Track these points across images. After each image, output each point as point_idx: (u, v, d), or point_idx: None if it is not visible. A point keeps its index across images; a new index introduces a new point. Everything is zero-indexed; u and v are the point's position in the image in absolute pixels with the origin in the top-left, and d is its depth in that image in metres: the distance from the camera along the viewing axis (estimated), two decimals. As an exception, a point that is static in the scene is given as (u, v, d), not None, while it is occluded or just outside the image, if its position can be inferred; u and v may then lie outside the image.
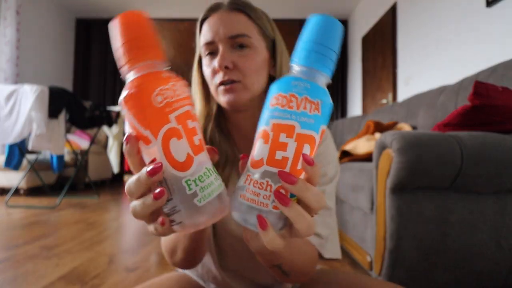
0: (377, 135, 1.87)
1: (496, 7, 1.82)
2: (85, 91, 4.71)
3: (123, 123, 4.02)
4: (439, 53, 2.40)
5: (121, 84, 4.71)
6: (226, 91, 0.48)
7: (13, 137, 2.44)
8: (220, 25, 0.48)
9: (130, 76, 0.27)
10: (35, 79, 3.88)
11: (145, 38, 0.26)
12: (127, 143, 0.26)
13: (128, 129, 0.27)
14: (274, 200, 0.25)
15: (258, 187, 0.26)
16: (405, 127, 1.80)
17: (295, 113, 0.25)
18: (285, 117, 0.25)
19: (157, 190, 0.25)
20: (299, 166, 0.26)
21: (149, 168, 0.25)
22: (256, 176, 0.26)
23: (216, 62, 0.48)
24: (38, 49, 4.02)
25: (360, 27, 4.08)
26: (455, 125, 1.09)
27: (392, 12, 3.16)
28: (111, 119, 3.33)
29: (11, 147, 2.91)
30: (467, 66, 2.04)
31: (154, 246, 1.66)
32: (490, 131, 0.94)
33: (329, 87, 0.28)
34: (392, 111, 2.15)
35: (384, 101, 3.30)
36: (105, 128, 3.50)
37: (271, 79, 0.54)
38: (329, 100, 0.27)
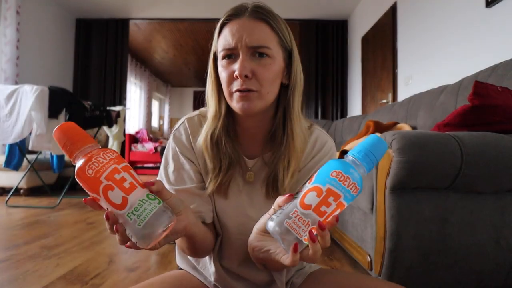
0: (377, 135, 1.87)
1: (496, 7, 1.82)
2: (85, 91, 4.71)
3: (123, 122, 4.02)
4: (439, 53, 2.40)
5: (121, 84, 4.71)
6: (242, 98, 0.50)
7: (13, 137, 2.44)
8: (243, 33, 0.49)
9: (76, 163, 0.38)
10: (35, 79, 3.88)
11: (71, 138, 0.38)
12: (86, 203, 0.38)
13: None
14: (307, 235, 0.37)
15: (301, 222, 0.38)
16: (405, 127, 1.80)
17: (344, 189, 0.38)
18: (338, 188, 0.38)
19: (114, 227, 0.37)
20: (329, 219, 0.38)
21: (105, 216, 0.37)
22: (302, 214, 0.38)
23: (236, 69, 0.49)
24: (38, 49, 4.01)
25: (360, 27, 4.08)
26: (455, 125, 1.09)
27: (392, 12, 3.16)
28: (111, 119, 3.32)
29: (11, 147, 2.91)
30: (467, 66, 2.04)
31: (154, 246, 1.66)
32: (490, 131, 0.94)
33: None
34: (392, 111, 2.15)
35: (384, 101, 3.30)
36: (105, 128, 3.50)
37: (282, 86, 0.56)
38: (362, 188, 0.39)
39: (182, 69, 7.75)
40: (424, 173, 0.85)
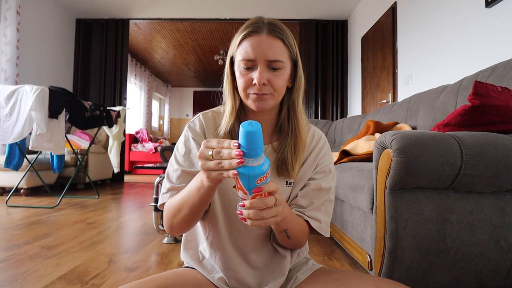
0: (377, 135, 1.87)
1: (496, 7, 1.82)
2: (85, 91, 4.71)
3: (123, 122, 4.02)
4: (439, 53, 2.40)
5: (121, 84, 4.71)
6: (258, 99, 0.60)
7: (13, 137, 2.44)
8: (262, 48, 0.58)
9: None
10: (35, 79, 3.88)
11: None
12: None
13: None
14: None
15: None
16: (405, 127, 1.80)
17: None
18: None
19: None
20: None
21: None
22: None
23: (255, 78, 0.59)
24: (38, 49, 4.01)
25: (360, 27, 4.08)
26: (455, 125, 1.09)
27: (392, 12, 3.16)
28: (111, 119, 3.33)
29: (11, 147, 2.91)
30: (467, 66, 2.05)
31: (154, 246, 1.66)
32: (490, 131, 0.94)
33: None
34: (392, 111, 2.15)
35: (384, 101, 3.30)
36: (105, 128, 3.50)
37: (286, 88, 0.66)
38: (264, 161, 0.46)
39: (182, 69, 7.75)
40: (424, 173, 0.85)
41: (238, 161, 0.43)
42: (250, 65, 0.59)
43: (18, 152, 2.95)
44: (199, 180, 0.51)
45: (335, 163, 1.69)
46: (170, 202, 0.61)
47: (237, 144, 0.44)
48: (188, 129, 0.68)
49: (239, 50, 0.61)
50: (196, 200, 0.54)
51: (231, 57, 0.64)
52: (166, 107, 9.49)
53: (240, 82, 0.61)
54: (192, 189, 0.54)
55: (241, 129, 0.44)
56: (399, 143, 0.85)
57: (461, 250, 0.89)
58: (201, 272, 0.68)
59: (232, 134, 0.65)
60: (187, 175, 0.63)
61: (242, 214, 0.48)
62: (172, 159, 0.67)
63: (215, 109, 0.71)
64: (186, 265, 0.72)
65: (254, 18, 0.62)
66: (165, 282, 0.58)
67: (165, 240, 1.73)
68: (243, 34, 0.60)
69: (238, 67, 0.61)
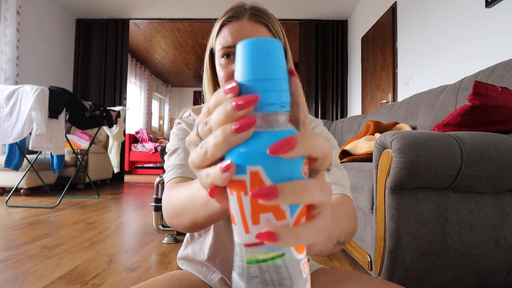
0: (377, 135, 1.87)
1: (496, 7, 1.82)
2: (85, 91, 4.71)
3: (123, 122, 4.02)
4: (439, 53, 2.40)
5: (121, 84, 4.71)
6: None
7: (13, 137, 2.44)
8: (243, 33, 0.52)
9: None
10: (35, 79, 3.88)
11: None
12: None
13: None
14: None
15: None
16: (405, 127, 1.80)
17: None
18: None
19: None
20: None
21: None
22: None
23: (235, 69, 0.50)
24: (38, 49, 4.01)
25: (360, 27, 4.08)
26: (455, 125, 1.09)
27: (392, 12, 3.16)
28: (111, 119, 3.32)
29: (11, 147, 2.91)
30: (467, 66, 2.05)
31: (154, 246, 1.66)
32: (490, 131, 0.94)
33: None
34: (392, 111, 2.15)
35: (384, 101, 3.30)
36: (105, 128, 3.50)
37: None
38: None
39: (182, 69, 7.75)
40: (424, 173, 0.85)
41: (239, 124, 0.18)
42: (230, 52, 0.53)
43: (18, 152, 2.95)
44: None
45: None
46: (170, 195, 0.46)
47: (234, 85, 0.20)
48: (180, 121, 0.61)
49: (218, 39, 0.54)
50: (200, 217, 0.37)
51: (210, 49, 0.58)
52: (166, 107, 9.49)
53: (220, 76, 0.55)
54: (199, 202, 0.35)
55: (240, 45, 0.20)
56: (399, 143, 0.85)
57: (461, 250, 0.89)
58: (197, 275, 0.66)
59: None
60: (182, 152, 0.55)
61: (263, 239, 0.19)
62: (165, 160, 0.58)
63: (201, 106, 0.65)
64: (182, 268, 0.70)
65: (236, 3, 0.55)
66: (162, 286, 0.57)
67: (165, 240, 1.73)
68: (221, 20, 0.54)
69: (218, 58, 0.55)
